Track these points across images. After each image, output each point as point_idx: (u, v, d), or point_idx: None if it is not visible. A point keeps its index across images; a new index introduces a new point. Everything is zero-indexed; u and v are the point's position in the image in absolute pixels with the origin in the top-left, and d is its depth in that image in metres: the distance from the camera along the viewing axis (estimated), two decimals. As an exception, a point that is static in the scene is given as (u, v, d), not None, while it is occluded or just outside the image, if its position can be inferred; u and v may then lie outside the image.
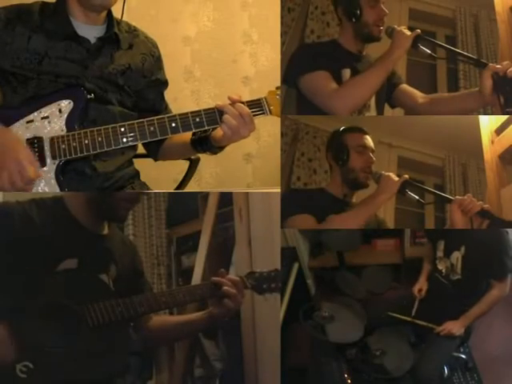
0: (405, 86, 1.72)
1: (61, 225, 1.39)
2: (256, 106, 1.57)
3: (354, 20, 1.62)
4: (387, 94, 1.71)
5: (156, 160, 1.91)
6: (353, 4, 1.61)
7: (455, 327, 1.92)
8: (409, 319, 2.01)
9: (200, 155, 2.02)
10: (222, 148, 1.68)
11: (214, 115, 1.56)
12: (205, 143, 1.68)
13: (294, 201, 1.68)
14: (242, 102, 1.57)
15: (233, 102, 1.55)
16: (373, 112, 1.70)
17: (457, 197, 1.56)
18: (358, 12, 1.61)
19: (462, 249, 1.93)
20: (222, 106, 1.55)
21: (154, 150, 1.86)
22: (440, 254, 2.03)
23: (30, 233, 1.34)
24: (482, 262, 1.89)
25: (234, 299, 1.50)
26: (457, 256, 1.95)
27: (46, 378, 1.26)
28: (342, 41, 1.68)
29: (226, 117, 1.53)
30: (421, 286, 2.09)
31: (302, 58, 1.67)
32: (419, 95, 1.70)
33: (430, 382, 1.94)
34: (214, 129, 1.62)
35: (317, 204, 1.65)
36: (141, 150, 1.84)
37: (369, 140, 1.70)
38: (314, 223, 1.60)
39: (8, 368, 1.24)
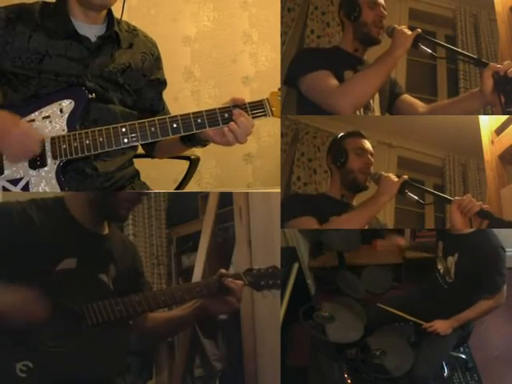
0: (406, 96, 1.73)
1: (60, 225, 1.39)
2: (258, 107, 1.58)
3: (353, 19, 1.62)
4: (389, 103, 1.72)
5: (153, 158, 1.91)
6: (352, 4, 1.62)
7: (442, 327, 1.93)
8: (398, 313, 2.02)
9: (200, 155, 2.03)
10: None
11: (216, 116, 1.56)
12: (192, 137, 1.67)
13: (295, 204, 1.68)
14: (244, 104, 1.57)
15: (235, 103, 1.55)
16: (377, 114, 1.70)
17: (456, 197, 1.56)
18: (357, 12, 1.61)
19: (456, 256, 1.94)
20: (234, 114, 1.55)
21: (150, 149, 1.86)
22: (440, 253, 2.04)
23: (29, 232, 1.34)
24: (473, 274, 1.90)
25: (234, 295, 1.51)
26: (451, 261, 1.96)
27: (45, 377, 1.26)
28: (343, 46, 1.68)
29: (233, 127, 1.54)
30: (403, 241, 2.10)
31: (304, 59, 1.67)
32: (420, 105, 1.70)
33: (427, 382, 1.94)
34: None
35: (318, 207, 1.65)
36: (141, 150, 1.84)
37: (367, 144, 1.71)
38: (315, 225, 1.61)
39: (9, 367, 1.24)
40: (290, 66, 1.66)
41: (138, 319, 1.48)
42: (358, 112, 1.65)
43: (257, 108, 1.57)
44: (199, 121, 1.55)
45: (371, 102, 1.68)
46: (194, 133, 1.62)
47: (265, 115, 1.59)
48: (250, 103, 1.57)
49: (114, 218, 1.48)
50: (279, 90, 1.62)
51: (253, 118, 1.58)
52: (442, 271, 2.01)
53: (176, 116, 1.56)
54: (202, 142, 1.68)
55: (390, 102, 1.72)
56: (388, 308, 2.04)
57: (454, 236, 1.94)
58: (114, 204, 1.45)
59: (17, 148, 1.50)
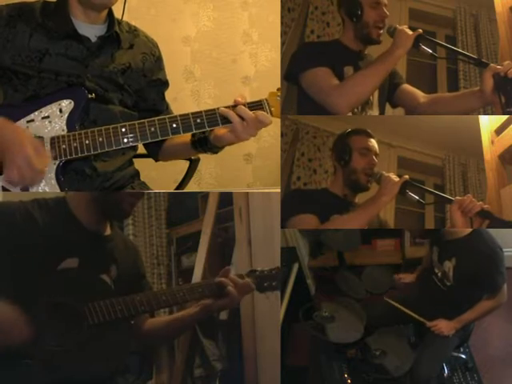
0: (406, 86, 1.73)
1: (62, 224, 1.38)
2: (257, 107, 1.57)
3: (354, 20, 1.62)
4: (389, 93, 1.71)
5: (156, 160, 1.91)
6: (354, 4, 1.62)
7: (446, 327, 1.93)
8: (403, 309, 2.02)
9: (200, 155, 2.02)
10: (221, 147, 1.68)
11: (215, 116, 1.55)
12: (204, 143, 1.67)
13: (296, 201, 1.68)
14: (243, 104, 1.56)
15: (237, 104, 1.55)
16: (375, 109, 1.70)
17: (457, 197, 1.56)
18: (359, 12, 1.61)
19: (453, 260, 1.94)
20: (226, 112, 1.54)
21: (155, 151, 1.85)
22: (435, 258, 2.04)
23: (31, 232, 1.34)
24: (473, 276, 1.89)
25: (234, 298, 1.50)
26: (448, 266, 1.96)
27: (46, 376, 1.26)
28: (343, 40, 1.68)
29: (234, 127, 1.54)
30: (405, 276, 2.10)
31: (305, 54, 1.68)
32: (420, 95, 1.70)
33: (428, 382, 1.94)
34: (212, 130, 1.62)
35: (319, 204, 1.65)
36: (141, 150, 1.84)
37: (373, 143, 1.70)
38: (316, 223, 1.60)
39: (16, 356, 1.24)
40: (290, 61, 1.66)
41: (139, 319, 1.48)
42: (356, 108, 1.65)
43: (256, 108, 1.57)
44: (198, 121, 1.55)
45: (370, 97, 1.68)
46: (205, 138, 1.64)
47: None
48: (249, 103, 1.57)
49: (117, 214, 1.48)
50: (278, 90, 1.62)
51: None
52: (439, 275, 2.01)
53: (175, 116, 1.56)
54: (215, 149, 1.67)
55: (390, 92, 1.72)
56: (393, 303, 2.05)
57: (449, 241, 1.94)
58: (116, 201, 1.45)
59: (23, 169, 1.42)
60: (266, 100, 1.59)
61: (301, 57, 1.67)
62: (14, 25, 1.57)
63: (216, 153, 1.70)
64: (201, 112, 1.56)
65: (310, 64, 1.61)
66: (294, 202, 1.67)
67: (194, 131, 1.57)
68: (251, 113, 1.53)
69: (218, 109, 1.55)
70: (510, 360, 2.28)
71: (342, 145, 1.70)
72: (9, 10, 1.59)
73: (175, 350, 1.95)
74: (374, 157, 1.68)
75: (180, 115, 1.56)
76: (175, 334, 1.77)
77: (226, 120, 1.55)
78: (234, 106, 1.55)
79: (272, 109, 1.59)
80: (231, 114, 1.53)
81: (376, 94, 1.69)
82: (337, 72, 1.61)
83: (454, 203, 1.54)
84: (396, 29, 1.57)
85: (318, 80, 1.60)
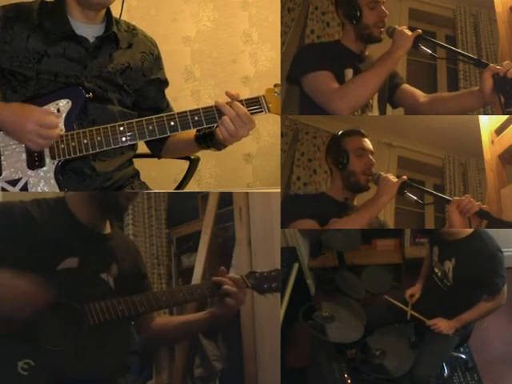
0: (406, 86, 1.72)
1: (62, 224, 1.39)
2: (254, 103, 1.58)
3: (354, 22, 1.62)
4: (389, 94, 1.71)
5: (160, 158, 1.90)
6: (352, 6, 1.61)
7: (445, 326, 1.94)
8: (404, 307, 2.03)
9: (200, 155, 2.02)
10: (225, 145, 1.68)
11: (213, 114, 1.56)
12: (209, 139, 1.67)
13: (295, 206, 1.68)
14: (241, 101, 1.56)
15: (231, 98, 1.55)
16: (375, 111, 1.69)
17: (455, 197, 1.56)
18: (358, 14, 1.61)
19: (453, 260, 1.94)
20: (221, 105, 1.55)
21: (158, 148, 1.85)
22: (435, 258, 2.04)
23: (31, 232, 1.34)
24: (472, 277, 1.89)
25: (236, 297, 1.49)
26: (448, 266, 1.96)
27: (46, 375, 1.26)
28: (344, 42, 1.68)
29: (224, 118, 1.54)
30: (414, 291, 2.10)
31: (306, 57, 1.68)
32: (420, 94, 1.69)
33: (428, 382, 1.94)
34: (218, 125, 1.62)
35: (318, 208, 1.64)
36: (141, 149, 1.84)
37: (367, 142, 1.69)
38: (316, 227, 1.60)
39: (10, 365, 1.24)
40: (292, 63, 1.66)
41: (142, 321, 1.48)
42: (356, 111, 1.65)
43: (253, 104, 1.57)
44: (196, 118, 1.56)
45: (370, 100, 1.68)
46: (211, 134, 1.64)
47: (261, 111, 1.59)
48: (246, 100, 1.57)
49: (115, 211, 1.48)
50: (275, 86, 1.61)
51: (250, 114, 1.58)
52: (439, 274, 2.01)
53: (173, 114, 1.57)
54: (219, 145, 1.67)
55: (391, 92, 1.71)
56: (393, 301, 2.05)
57: (449, 242, 1.94)
58: (114, 197, 1.45)
59: (36, 139, 1.50)
60: (264, 96, 1.59)
61: (302, 59, 1.67)
62: (12, 26, 1.57)
63: (220, 149, 1.70)
64: (198, 109, 1.56)
65: (311, 67, 1.61)
66: (292, 207, 1.66)
67: (192, 129, 1.58)
68: (245, 109, 1.53)
69: (215, 105, 1.56)
70: (510, 360, 2.29)
71: (336, 148, 1.69)
72: (5, 11, 1.59)
73: (175, 349, 1.95)
74: (370, 156, 1.68)
75: (178, 113, 1.57)
76: (182, 338, 1.78)
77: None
78: (228, 103, 1.55)
79: (269, 105, 1.59)
80: (221, 104, 1.53)
81: (376, 96, 1.69)
82: (337, 74, 1.61)
83: (452, 203, 1.53)
84: (395, 29, 1.57)
85: (319, 84, 1.60)
